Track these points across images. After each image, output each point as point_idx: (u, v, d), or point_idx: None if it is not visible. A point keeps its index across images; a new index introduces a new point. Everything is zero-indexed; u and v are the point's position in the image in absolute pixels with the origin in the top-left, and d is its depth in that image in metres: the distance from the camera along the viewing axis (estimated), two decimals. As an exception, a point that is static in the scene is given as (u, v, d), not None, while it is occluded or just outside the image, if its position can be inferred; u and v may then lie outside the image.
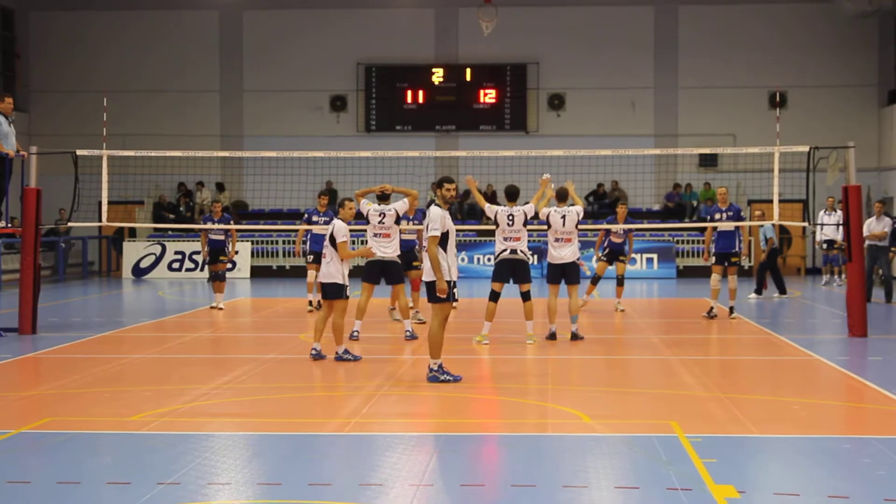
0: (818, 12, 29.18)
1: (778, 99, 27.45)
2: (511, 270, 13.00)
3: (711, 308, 16.33)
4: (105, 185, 15.71)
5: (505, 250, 12.97)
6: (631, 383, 10.60)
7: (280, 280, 26.34)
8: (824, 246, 22.67)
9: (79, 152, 15.29)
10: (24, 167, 14.93)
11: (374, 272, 13.26)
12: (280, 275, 27.15)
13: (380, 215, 13.20)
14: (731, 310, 16.16)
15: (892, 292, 18.87)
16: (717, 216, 16.07)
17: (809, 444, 7.68)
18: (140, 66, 30.34)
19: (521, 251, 12.97)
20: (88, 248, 28.58)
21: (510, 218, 12.90)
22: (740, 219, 16.02)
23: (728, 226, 15.88)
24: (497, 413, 9.13)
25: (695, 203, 28.90)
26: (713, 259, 16.18)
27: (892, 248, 19.55)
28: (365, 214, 13.36)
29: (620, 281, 17.03)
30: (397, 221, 13.33)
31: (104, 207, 15.91)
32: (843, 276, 21.19)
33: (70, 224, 16.54)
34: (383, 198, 13.40)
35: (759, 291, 20.04)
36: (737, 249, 16.02)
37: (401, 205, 13.33)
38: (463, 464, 7.14)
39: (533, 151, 17.34)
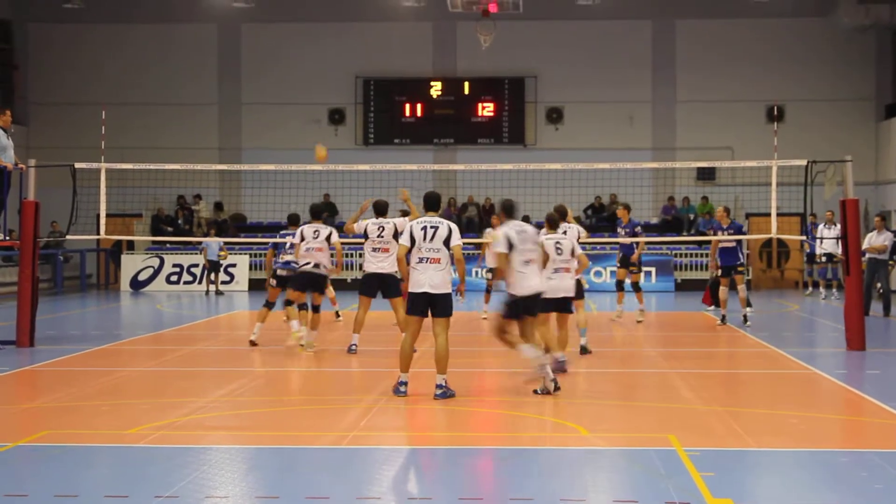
0: (815, 26, 29.28)
1: (775, 113, 27.52)
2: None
3: (724, 316, 16.92)
4: (103, 198, 15.73)
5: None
6: (629, 396, 10.59)
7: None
8: (823, 259, 23.05)
9: (77, 165, 15.31)
10: (23, 180, 14.95)
11: (371, 286, 13.25)
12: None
13: (379, 228, 13.19)
14: (745, 318, 16.79)
15: (891, 306, 18.88)
16: (720, 234, 16.75)
17: (807, 457, 7.68)
18: (139, 79, 30.39)
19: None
20: (86, 261, 28.56)
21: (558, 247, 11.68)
22: (741, 234, 16.92)
23: (730, 242, 16.59)
24: (495, 426, 9.12)
25: (692, 216, 28.92)
26: (720, 271, 16.86)
27: (891, 262, 19.67)
28: (363, 230, 13.33)
29: (634, 287, 17.32)
30: (395, 236, 13.29)
31: (102, 220, 15.93)
32: (838, 289, 21.33)
33: (68, 237, 16.56)
34: (381, 212, 13.38)
35: (749, 304, 20.10)
36: (741, 261, 16.86)
37: (400, 220, 13.32)
38: (461, 477, 7.13)
39: (531, 165, 17.36)
